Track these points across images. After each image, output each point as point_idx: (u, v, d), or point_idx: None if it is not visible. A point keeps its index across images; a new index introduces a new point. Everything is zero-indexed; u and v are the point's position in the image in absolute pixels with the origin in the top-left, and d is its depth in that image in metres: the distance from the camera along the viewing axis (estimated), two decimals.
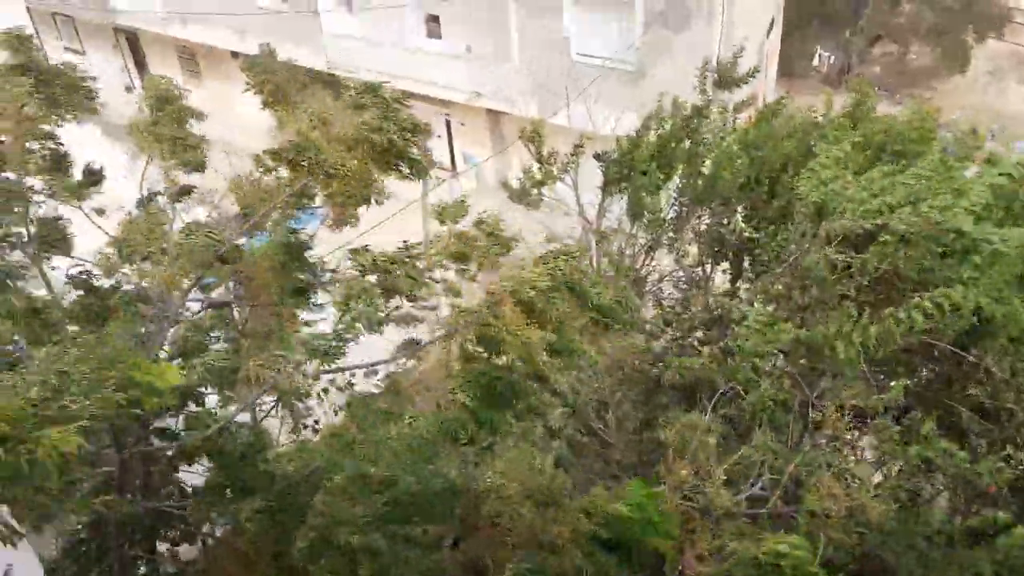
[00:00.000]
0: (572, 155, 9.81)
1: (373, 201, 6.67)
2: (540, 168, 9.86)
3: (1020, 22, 27.91)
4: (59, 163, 7.46)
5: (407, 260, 5.53)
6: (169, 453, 6.46)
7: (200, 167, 7.61)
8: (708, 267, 9.00)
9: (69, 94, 7.31)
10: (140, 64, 27.96)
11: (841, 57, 29.12)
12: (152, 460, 6.56)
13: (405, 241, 6.01)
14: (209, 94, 25.36)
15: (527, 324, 4.69)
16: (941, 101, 28.02)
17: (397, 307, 7.18)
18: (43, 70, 7.35)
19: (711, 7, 14.55)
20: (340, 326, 5.44)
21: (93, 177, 7.88)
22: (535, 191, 9.82)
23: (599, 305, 5.20)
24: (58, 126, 7.29)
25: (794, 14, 26.65)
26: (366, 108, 6.10)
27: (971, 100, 28.11)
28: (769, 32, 21.27)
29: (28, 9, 27.93)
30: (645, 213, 8.85)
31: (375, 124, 5.95)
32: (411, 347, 8.37)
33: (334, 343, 5.29)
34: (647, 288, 9.71)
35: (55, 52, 28.40)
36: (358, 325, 5.35)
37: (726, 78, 9.96)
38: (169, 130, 7.26)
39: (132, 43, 27.50)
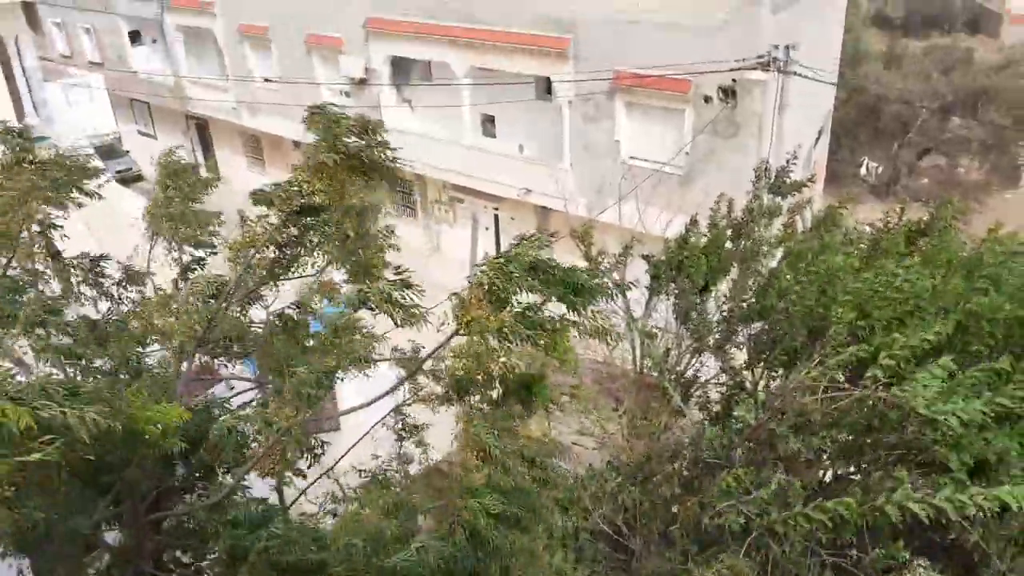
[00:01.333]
0: (621, 255, 9.94)
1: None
2: (587, 266, 10.01)
3: None
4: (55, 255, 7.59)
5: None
6: (185, 522, 6.42)
7: (209, 245, 7.92)
8: (757, 372, 8.90)
9: (72, 179, 7.42)
10: (207, 148, 29.45)
11: (889, 168, 29.32)
12: (168, 534, 6.53)
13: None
14: (271, 180, 26.47)
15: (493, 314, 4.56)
16: (991, 216, 27.81)
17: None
18: (44, 161, 7.52)
19: (761, 117, 14.89)
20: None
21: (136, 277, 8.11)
22: None
23: (570, 282, 4.88)
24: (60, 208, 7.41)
25: (843, 124, 27.09)
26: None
27: (1022, 217, 27.83)
28: (817, 141, 21.59)
29: (108, 93, 29.80)
30: (692, 315, 8.86)
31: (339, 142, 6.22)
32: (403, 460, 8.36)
33: None
34: (692, 392, 9.62)
35: (129, 135, 30.10)
36: None
37: (779, 185, 10.09)
38: (180, 207, 7.56)
39: (201, 128, 29.05)
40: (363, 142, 6.29)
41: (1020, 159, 28.35)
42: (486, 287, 4.69)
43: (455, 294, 5.02)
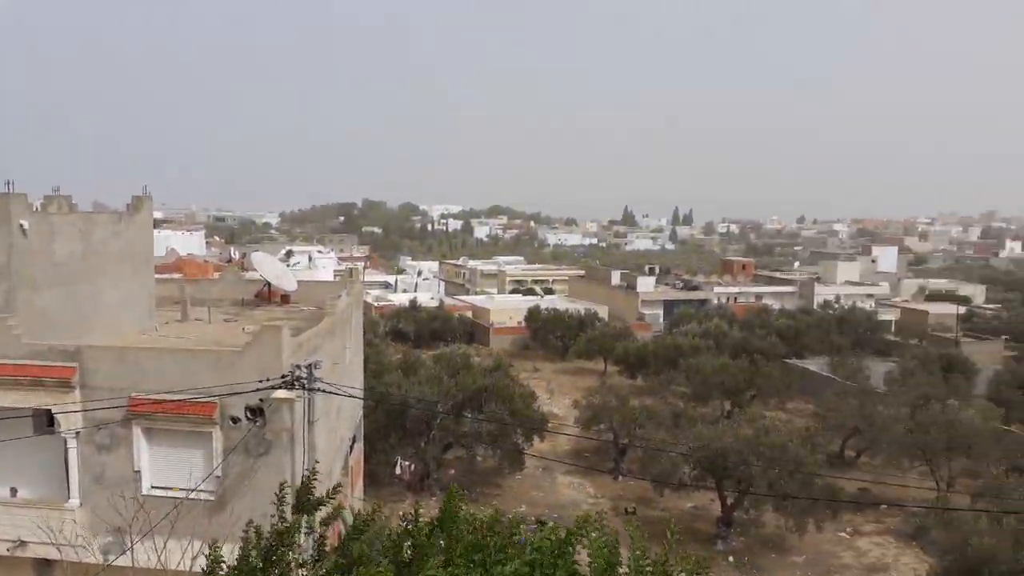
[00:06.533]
0: None
1: None
2: None
3: (550, 430, 33.85)
4: None
5: None
6: None
7: None
8: None
9: None
10: None
11: (420, 465, 31.73)
12: None
13: None
14: None
15: None
16: (508, 495, 31.69)
17: None
18: None
19: (292, 433, 15.06)
20: None
21: None
22: None
23: None
24: None
25: (376, 430, 28.98)
26: None
27: (531, 493, 32.22)
28: (351, 448, 22.53)
29: None
30: None
31: None
32: None
33: None
34: None
35: None
36: None
37: (303, 501, 9.94)
38: None
39: None
40: None
41: (521, 446, 33.22)
42: None
43: None
